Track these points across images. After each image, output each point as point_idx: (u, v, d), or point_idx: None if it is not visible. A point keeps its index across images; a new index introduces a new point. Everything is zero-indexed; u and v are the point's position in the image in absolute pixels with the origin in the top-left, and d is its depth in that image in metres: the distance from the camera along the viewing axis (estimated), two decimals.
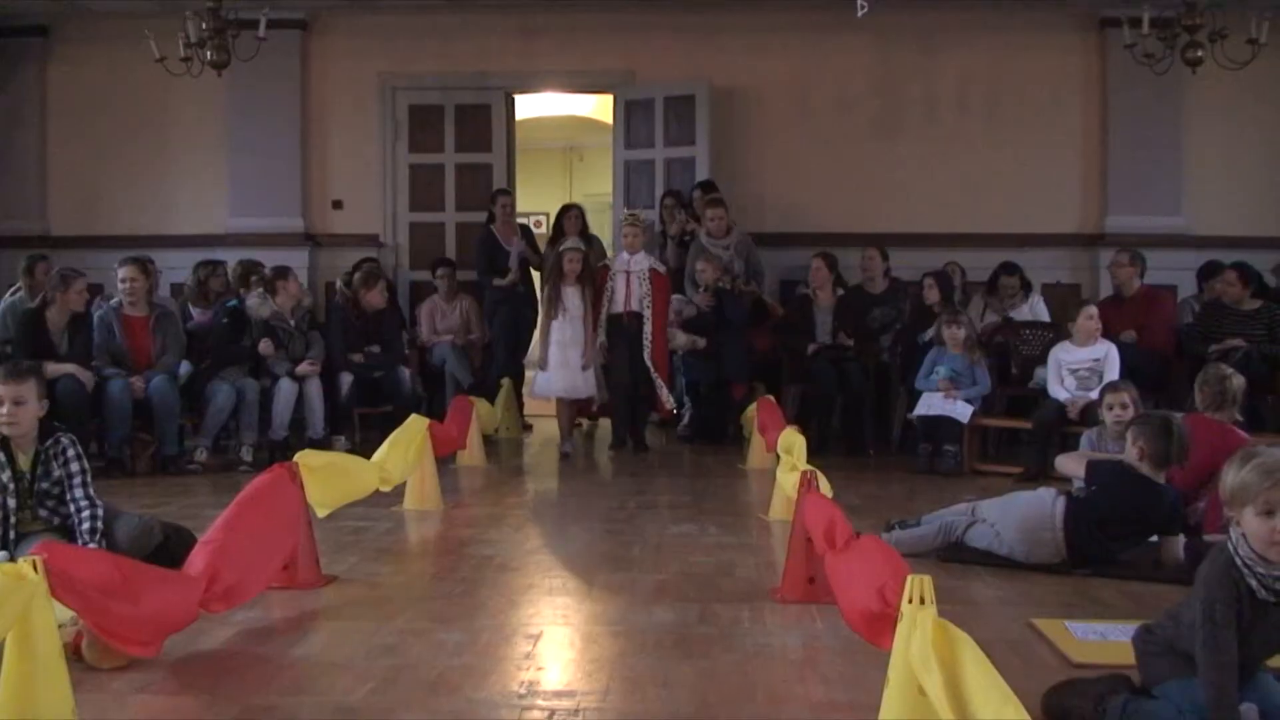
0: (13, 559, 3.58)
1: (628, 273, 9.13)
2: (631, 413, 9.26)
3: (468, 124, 11.27)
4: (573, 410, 9.29)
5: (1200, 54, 8.75)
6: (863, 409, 9.26)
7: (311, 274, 10.89)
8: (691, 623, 4.39)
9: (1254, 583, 3.05)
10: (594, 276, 9.08)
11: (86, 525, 4.68)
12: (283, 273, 9.00)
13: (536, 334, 9.27)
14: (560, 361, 8.89)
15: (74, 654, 3.61)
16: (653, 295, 9.05)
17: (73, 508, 4.72)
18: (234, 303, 8.83)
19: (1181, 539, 5.21)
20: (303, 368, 8.66)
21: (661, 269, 9.33)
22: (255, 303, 8.75)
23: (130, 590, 3.50)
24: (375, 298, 9.29)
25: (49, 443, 4.75)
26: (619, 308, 9.09)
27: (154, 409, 8.10)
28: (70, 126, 11.25)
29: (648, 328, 9.01)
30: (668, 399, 9.15)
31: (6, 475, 4.68)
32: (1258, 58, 8.70)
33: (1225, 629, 3.02)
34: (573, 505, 7.00)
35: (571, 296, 8.92)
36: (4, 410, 4.60)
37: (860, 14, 6.95)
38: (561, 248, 9.17)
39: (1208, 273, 9.77)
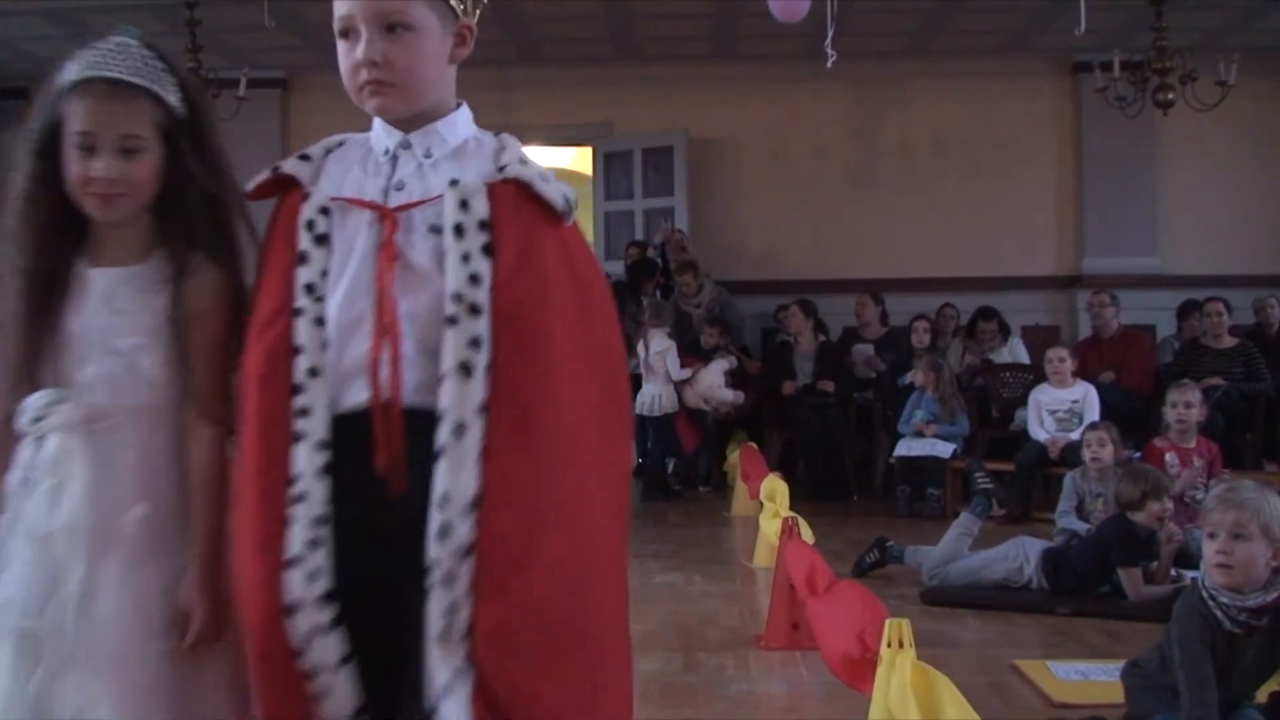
0: None
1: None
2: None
3: None
4: None
5: (1171, 96, 8.86)
6: (844, 454, 9.28)
7: None
8: (676, 671, 4.38)
9: (1219, 614, 3.07)
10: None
11: None
12: None
13: None
14: None
15: None
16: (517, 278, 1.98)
17: None
18: None
19: (1138, 572, 5.21)
20: None
21: (547, 185, 2.04)
22: None
23: None
24: None
25: None
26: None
27: None
28: None
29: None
30: None
31: None
32: (1227, 99, 8.81)
33: (1202, 663, 3.03)
34: None
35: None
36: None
37: (829, 63, 7.03)
38: None
39: (1184, 311, 9.87)
